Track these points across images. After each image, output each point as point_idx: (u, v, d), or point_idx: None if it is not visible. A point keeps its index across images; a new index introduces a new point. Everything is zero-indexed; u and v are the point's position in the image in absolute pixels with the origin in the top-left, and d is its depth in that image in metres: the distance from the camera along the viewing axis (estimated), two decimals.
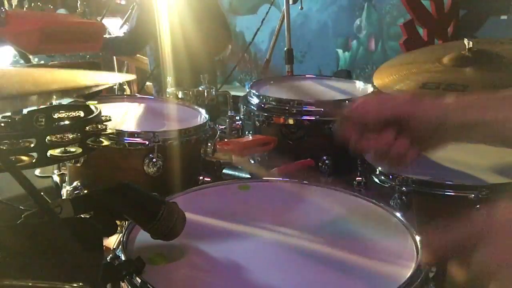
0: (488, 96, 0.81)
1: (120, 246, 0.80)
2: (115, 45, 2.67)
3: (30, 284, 0.53)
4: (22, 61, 1.55)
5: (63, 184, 1.35)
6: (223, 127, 1.51)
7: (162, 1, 1.85)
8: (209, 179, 1.30)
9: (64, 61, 2.09)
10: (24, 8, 1.64)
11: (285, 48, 2.54)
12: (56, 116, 0.81)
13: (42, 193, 0.72)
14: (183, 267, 0.78)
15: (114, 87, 2.76)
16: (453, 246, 0.64)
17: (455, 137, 0.83)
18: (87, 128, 0.80)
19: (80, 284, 0.55)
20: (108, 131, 0.85)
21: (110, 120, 0.88)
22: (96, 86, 0.62)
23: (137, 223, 0.81)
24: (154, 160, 1.20)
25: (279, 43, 2.72)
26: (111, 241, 0.84)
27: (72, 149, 0.75)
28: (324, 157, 1.42)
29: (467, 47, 1.45)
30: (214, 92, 1.66)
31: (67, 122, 0.80)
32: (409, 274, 0.73)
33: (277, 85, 1.74)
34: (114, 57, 3.29)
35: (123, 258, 0.77)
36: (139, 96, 2.06)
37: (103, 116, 0.88)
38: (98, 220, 0.71)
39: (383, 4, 4.00)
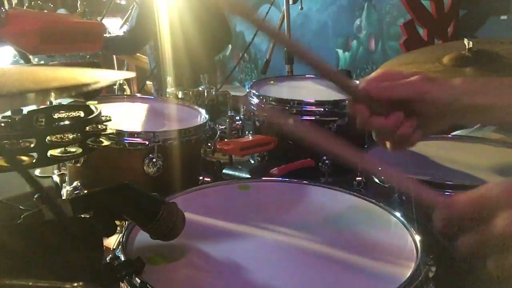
0: (496, 81, 0.82)
1: (120, 246, 0.80)
2: (115, 44, 2.67)
3: (30, 284, 0.53)
4: (22, 61, 1.55)
5: (63, 184, 1.35)
6: (223, 127, 1.51)
7: (162, 1, 1.85)
8: (209, 179, 1.30)
9: (64, 61, 2.09)
10: (24, 7, 1.64)
11: (285, 48, 2.54)
12: (56, 116, 0.81)
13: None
14: (183, 267, 0.78)
15: (114, 87, 2.77)
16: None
17: (461, 120, 0.83)
18: (87, 128, 0.80)
19: (80, 284, 0.55)
20: (108, 131, 0.85)
21: (110, 120, 0.88)
22: (96, 83, 0.62)
23: (137, 223, 0.81)
24: (154, 160, 1.20)
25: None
26: (111, 241, 0.84)
27: (72, 149, 0.75)
28: (324, 157, 1.42)
29: (467, 47, 1.45)
30: (214, 92, 1.66)
31: (67, 122, 0.80)
32: (409, 274, 0.73)
33: (277, 85, 1.74)
34: (114, 56, 3.29)
35: (123, 258, 0.77)
36: (139, 96, 2.06)
37: (103, 116, 0.88)
38: (98, 220, 0.71)
39: (383, 4, 4.00)
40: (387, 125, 0.81)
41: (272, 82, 1.75)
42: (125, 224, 0.88)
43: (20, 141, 0.70)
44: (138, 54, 3.16)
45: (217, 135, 1.39)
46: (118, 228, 0.80)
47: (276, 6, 3.39)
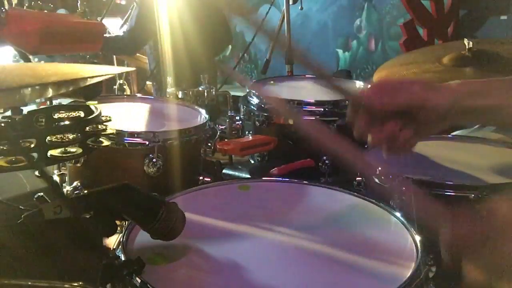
0: (496, 82, 0.82)
1: (120, 246, 0.80)
2: (115, 44, 2.67)
3: (29, 283, 0.53)
4: (22, 61, 1.55)
5: (63, 184, 1.35)
6: (223, 127, 1.51)
7: (162, 1, 1.85)
8: (209, 179, 1.30)
9: (64, 61, 2.09)
10: (24, 7, 1.64)
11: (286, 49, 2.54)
12: (56, 116, 0.80)
13: (42, 193, 0.72)
14: (183, 267, 0.78)
15: (114, 87, 2.77)
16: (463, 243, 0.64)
17: (460, 121, 0.84)
18: (87, 128, 0.80)
19: (80, 284, 0.55)
20: (108, 131, 0.85)
21: (110, 120, 0.88)
22: (95, 77, 0.62)
23: (137, 223, 0.81)
24: (154, 160, 1.20)
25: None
26: (111, 241, 0.84)
27: (72, 149, 0.75)
28: (324, 157, 1.42)
29: (467, 47, 1.45)
30: (214, 92, 1.66)
31: (67, 122, 0.80)
32: (409, 274, 0.73)
33: (277, 85, 1.74)
34: (114, 56, 3.29)
35: (123, 258, 0.77)
36: (139, 96, 2.06)
37: (103, 116, 0.88)
38: (98, 220, 0.71)
39: (383, 4, 3.99)
40: (385, 133, 0.81)
41: (272, 82, 1.75)
42: (125, 224, 0.88)
43: (20, 141, 0.70)
44: (138, 54, 3.16)
45: (217, 135, 1.39)
46: (118, 228, 0.80)
47: (276, 6, 3.39)
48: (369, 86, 0.86)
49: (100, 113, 0.87)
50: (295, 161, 1.37)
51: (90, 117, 0.84)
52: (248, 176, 1.51)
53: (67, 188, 1.27)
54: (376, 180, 1.21)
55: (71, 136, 0.74)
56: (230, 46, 4.76)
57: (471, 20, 3.38)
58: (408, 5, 3.04)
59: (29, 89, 0.51)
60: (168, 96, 1.71)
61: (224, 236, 0.89)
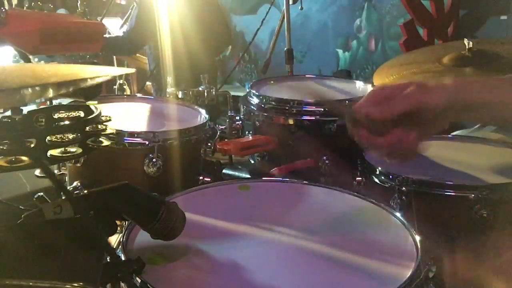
0: (493, 79, 0.82)
1: (120, 246, 0.80)
2: (115, 44, 2.67)
3: (30, 284, 0.53)
4: (22, 61, 1.55)
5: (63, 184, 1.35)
6: (223, 127, 1.51)
7: (162, 1, 1.85)
8: (209, 179, 1.30)
9: (64, 61, 2.09)
10: (24, 8, 1.64)
11: (285, 48, 2.54)
12: (56, 116, 0.80)
13: (42, 193, 0.72)
14: (183, 267, 0.78)
15: (114, 87, 2.77)
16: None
17: (458, 119, 0.84)
18: (87, 128, 0.80)
19: (80, 284, 0.55)
20: (108, 131, 0.85)
21: (110, 120, 0.88)
22: (96, 78, 0.62)
23: (137, 223, 0.81)
24: (154, 160, 1.20)
25: (279, 43, 2.72)
26: (111, 241, 0.84)
27: (72, 149, 0.75)
28: (324, 157, 1.42)
29: (467, 47, 1.45)
30: (214, 92, 1.66)
31: (67, 122, 0.80)
32: (409, 274, 0.73)
33: (277, 85, 1.74)
34: (114, 57, 3.29)
35: (123, 258, 0.77)
36: (139, 96, 2.06)
37: (103, 116, 0.88)
38: (98, 220, 0.71)
39: (383, 4, 3.99)
40: (390, 143, 0.81)
41: (272, 82, 1.75)
42: (125, 224, 0.88)
43: (20, 141, 0.70)
44: (138, 54, 3.16)
45: (217, 135, 1.39)
46: (118, 228, 0.80)
47: (276, 6, 3.40)
48: (362, 98, 0.86)
49: (100, 113, 0.87)
50: (295, 161, 1.37)
51: (90, 117, 0.83)
52: (248, 176, 1.51)
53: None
54: (376, 180, 1.21)
55: (71, 136, 0.74)
56: (230, 46, 4.76)
57: (471, 20, 3.37)
58: (408, 5, 3.03)
59: (30, 89, 0.51)
60: (168, 96, 1.71)
61: (224, 236, 0.89)
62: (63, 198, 0.70)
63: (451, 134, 1.53)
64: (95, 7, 3.25)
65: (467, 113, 0.81)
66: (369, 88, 1.60)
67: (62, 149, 0.73)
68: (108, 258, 0.75)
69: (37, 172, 1.74)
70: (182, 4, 2.35)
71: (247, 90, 1.57)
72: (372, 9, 4.08)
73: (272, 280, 0.75)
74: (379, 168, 1.21)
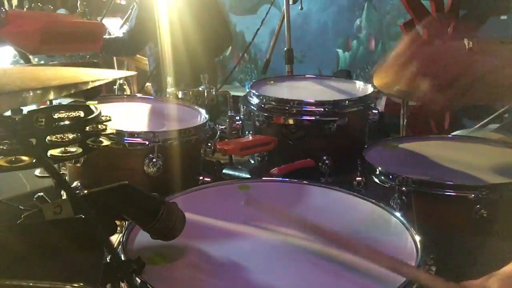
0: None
1: (120, 246, 0.80)
2: (115, 45, 2.67)
3: (30, 284, 0.53)
4: (22, 61, 1.55)
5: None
6: (223, 127, 1.51)
7: (162, 1, 1.85)
8: (209, 179, 1.30)
9: (64, 61, 2.09)
10: (24, 9, 1.64)
11: (285, 48, 2.54)
12: (56, 116, 0.80)
13: (42, 193, 0.72)
14: (183, 267, 0.78)
15: (114, 87, 2.77)
16: None
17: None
18: (87, 128, 0.80)
19: (80, 284, 0.55)
20: (108, 131, 0.85)
21: (110, 120, 0.88)
22: (96, 81, 0.62)
23: (137, 223, 0.81)
24: (154, 160, 1.20)
25: (279, 43, 2.72)
26: (112, 241, 0.84)
27: (72, 149, 0.75)
28: (324, 157, 1.42)
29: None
30: (214, 92, 1.66)
31: (67, 122, 0.80)
32: None
33: (277, 85, 1.74)
34: (114, 57, 3.29)
35: (123, 258, 0.77)
36: (139, 96, 2.06)
37: (103, 116, 0.88)
38: (98, 220, 0.71)
39: (383, 4, 4.00)
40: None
41: (272, 82, 1.76)
42: (125, 224, 0.88)
43: (20, 141, 0.70)
44: (138, 55, 3.16)
45: (217, 135, 1.39)
46: (118, 228, 0.80)
47: (276, 6, 3.40)
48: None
49: (100, 113, 0.87)
50: (295, 161, 1.37)
51: (90, 117, 0.83)
52: (248, 176, 1.51)
53: None
54: (376, 180, 1.22)
55: (71, 136, 0.74)
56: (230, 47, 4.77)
57: (471, 20, 3.37)
58: (408, 5, 3.03)
59: (31, 92, 0.51)
60: (168, 96, 1.71)
61: (224, 236, 0.89)
62: (63, 198, 0.70)
63: (451, 134, 1.53)
64: (95, 7, 3.24)
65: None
66: (369, 88, 1.60)
67: (62, 149, 0.73)
68: (108, 258, 0.75)
69: (37, 172, 1.75)
70: (182, 4, 2.35)
71: (247, 90, 1.58)
72: (372, 9, 4.09)
73: (272, 280, 0.75)
74: (379, 168, 1.21)
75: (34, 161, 0.72)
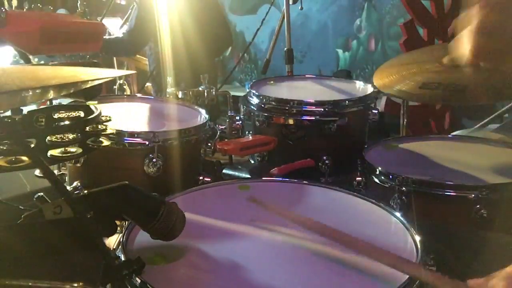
0: None
1: (120, 246, 0.80)
2: (114, 46, 2.67)
3: (30, 284, 0.53)
4: (22, 61, 1.55)
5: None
6: (223, 127, 1.51)
7: (162, 1, 1.85)
8: (209, 179, 1.30)
9: (64, 61, 2.09)
10: (24, 9, 1.64)
11: (285, 48, 2.54)
12: (56, 116, 0.80)
13: (42, 193, 0.72)
14: (183, 267, 0.78)
15: (114, 87, 2.77)
16: None
17: None
18: (87, 128, 0.80)
19: (80, 284, 0.55)
20: (108, 131, 0.85)
21: (110, 120, 0.88)
22: (96, 80, 0.62)
23: (137, 223, 0.81)
24: (154, 160, 1.20)
25: (279, 43, 2.72)
26: (111, 241, 0.84)
27: (72, 149, 0.75)
28: (324, 157, 1.42)
29: None
30: (214, 92, 1.66)
31: (67, 122, 0.80)
32: None
33: (277, 85, 1.74)
34: (114, 57, 3.29)
35: (123, 258, 0.77)
36: (139, 96, 2.06)
37: (103, 116, 0.88)
38: (98, 220, 0.71)
39: (383, 4, 4.00)
40: None
41: (272, 82, 1.76)
42: (125, 224, 0.88)
43: (20, 141, 0.70)
44: (138, 56, 3.16)
45: (217, 135, 1.39)
46: (118, 228, 0.80)
47: (276, 6, 3.39)
48: None
49: (100, 113, 0.87)
50: (295, 161, 1.37)
51: (90, 117, 0.83)
52: (248, 176, 1.51)
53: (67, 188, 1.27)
54: (376, 180, 1.22)
55: (71, 136, 0.74)
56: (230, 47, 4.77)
57: None
58: (408, 5, 3.03)
59: (30, 92, 0.52)
60: (168, 96, 1.71)
61: (224, 236, 0.89)
62: (63, 198, 0.70)
63: (451, 134, 1.53)
64: (95, 7, 3.25)
65: None
66: (369, 88, 1.60)
67: (62, 149, 0.73)
68: (108, 258, 0.75)
69: (37, 172, 1.74)
70: (182, 5, 2.35)
71: (247, 90, 1.58)
72: (372, 9, 4.09)
73: (272, 280, 0.75)
74: (379, 168, 1.22)
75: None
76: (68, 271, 0.60)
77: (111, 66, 3.32)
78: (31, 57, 1.54)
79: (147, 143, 1.20)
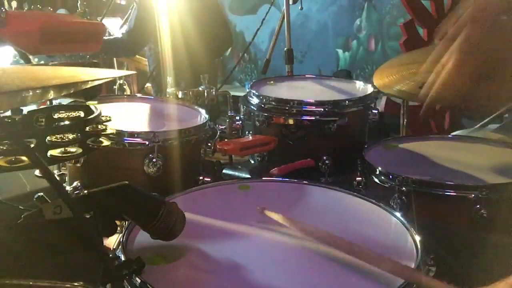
0: None
1: (120, 246, 0.80)
2: (114, 46, 2.67)
3: (30, 284, 0.53)
4: (22, 61, 1.55)
5: (63, 185, 1.35)
6: (223, 127, 1.51)
7: (161, 1, 1.85)
8: (209, 179, 1.30)
9: (64, 61, 2.09)
10: (24, 10, 1.65)
11: (285, 48, 2.54)
12: (56, 116, 0.80)
13: (42, 193, 0.72)
14: (183, 267, 0.78)
15: (114, 87, 2.77)
16: None
17: None
18: (87, 128, 0.80)
19: (80, 284, 0.55)
20: (108, 131, 0.85)
21: (110, 120, 0.88)
22: (96, 80, 0.62)
23: (137, 223, 0.81)
24: (154, 160, 1.20)
25: (279, 43, 2.72)
26: (111, 241, 0.84)
27: (72, 149, 0.75)
28: (324, 157, 1.42)
29: None
30: (214, 92, 1.66)
31: (67, 122, 0.80)
32: None
33: (277, 85, 1.74)
34: (114, 58, 3.29)
35: (123, 258, 0.77)
36: (139, 96, 2.06)
37: (103, 116, 0.88)
38: (98, 220, 0.71)
39: (383, 4, 4.00)
40: None
41: (272, 82, 1.75)
42: (125, 224, 0.88)
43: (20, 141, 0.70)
44: (137, 56, 3.16)
45: (217, 135, 1.39)
46: (118, 228, 0.80)
47: (276, 6, 3.40)
48: None
49: (100, 113, 0.87)
50: (295, 161, 1.37)
51: (90, 117, 0.83)
52: (248, 176, 1.51)
53: (67, 188, 1.27)
54: (376, 180, 1.21)
55: (71, 136, 0.74)
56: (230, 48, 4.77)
57: None
58: (408, 5, 3.04)
59: (30, 92, 0.52)
60: (168, 96, 1.71)
61: (224, 236, 0.89)
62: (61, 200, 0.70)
63: (451, 134, 1.53)
64: (95, 7, 3.25)
65: None
66: (369, 88, 1.60)
67: (62, 149, 0.73)
68: (108, 258, 0.75)
69: (37, 172, 1.74)
70: (182, 5, 2.35)
71: (247, 90, 1.57)
72: (372, 9, 4.09)
73: (272, 280, 0.75)
74: (379, 168, 1.21)
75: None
76: (68, 271, 0.60)
77: (111, 66, 3.33)
78: (31, 57, 1.54)
79: (147, 143, 1.20)
